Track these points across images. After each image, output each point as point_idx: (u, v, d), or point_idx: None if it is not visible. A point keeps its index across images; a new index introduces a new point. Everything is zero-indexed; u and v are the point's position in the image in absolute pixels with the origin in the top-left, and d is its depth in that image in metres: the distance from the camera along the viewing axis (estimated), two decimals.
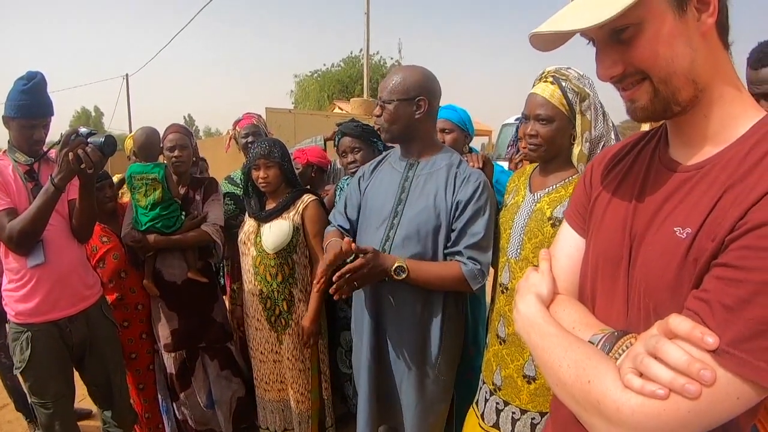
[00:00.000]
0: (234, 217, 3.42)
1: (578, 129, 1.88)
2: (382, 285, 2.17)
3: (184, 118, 69.92)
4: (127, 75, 34.91)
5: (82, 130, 2.38)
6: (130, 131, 20.71)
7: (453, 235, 2.12)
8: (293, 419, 2.94)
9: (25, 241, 2.41)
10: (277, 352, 2.90)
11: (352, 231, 2.40)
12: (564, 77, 1.89)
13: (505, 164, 3.07)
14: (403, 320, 2.17)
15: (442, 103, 2.36)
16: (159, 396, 3.33)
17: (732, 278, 0.78)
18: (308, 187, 3.17)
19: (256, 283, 2.86)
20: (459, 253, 2.09)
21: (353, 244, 2.01)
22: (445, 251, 2.14)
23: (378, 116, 2.20)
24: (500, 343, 2.01)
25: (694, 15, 0.90)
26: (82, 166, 2.30)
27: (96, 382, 2.84)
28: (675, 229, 0.91)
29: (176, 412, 3.32)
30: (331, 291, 2.03)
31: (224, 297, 3.56)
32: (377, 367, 2.26)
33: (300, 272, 2.84)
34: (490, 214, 2.09)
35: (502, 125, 14.15)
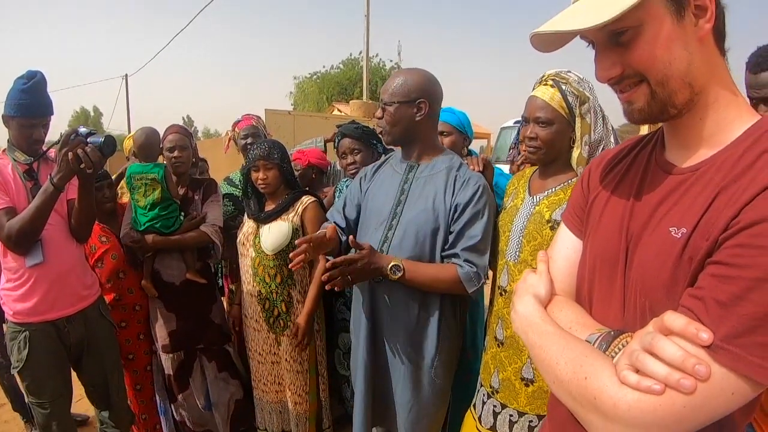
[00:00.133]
0: (233, 218, 3.42)
1: (578, 132, 1.89)
2: (379, 286, 2.18)
3: (183, 118, 69.78)
4: (126, 75, 34.94)
5: (82, 129, 2.38)
6: (129, 131, 20.72)
7: (450, 238, 2.12)
8: (291, 421, 2.94)
9: (24, 241, 2.41)
10: (275, 353, 2.89)
11: (348, 230, 2.40)
12: (564, 80, 1.90)
13: (504, 167, 3.07)
14: (399, 321, 2.18)
15: (444, 105, 2.36)
16: (157, 397, 3.33)
17: (726, 275, 0.80)
18: (307, 188, 3.17)
19: (255, 284, 2.86)
20: (456, 255, 2.10)
21: (351, 238, 2.03)
22: (442, 253, 2.14)
23: (379, 118, 2.21)
24: (498, 346, 2.01)
25: (692, 20, 0.92)
26: (82, 165, 2.30)
27: (93, 383, 2.84)
28: (670, 229, 0.93)
29: (174, 414, 3.31)
30: (323, 278, 2.04)
31: (223, 298, 3.56)
32: (373, 367, 2.26)
33: (299, 274, 2.83)
34: (489, 218, 2.10)
35: (501, 128, 14.17)
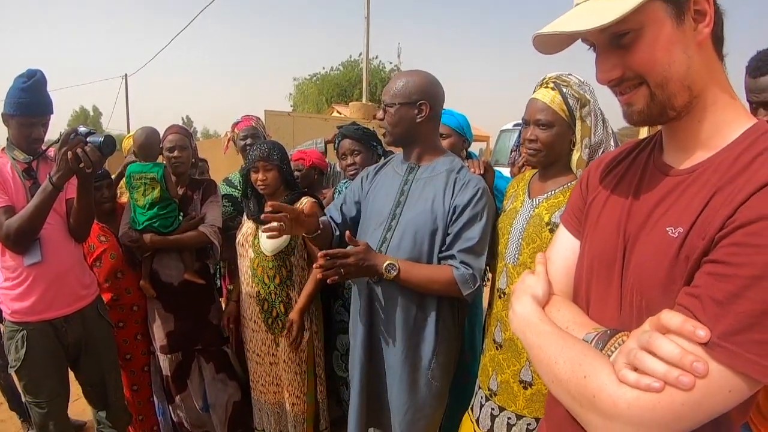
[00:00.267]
0: (232, 218, 3.42)
1: (578, 135, 1.89)
2: (377, 287, 2.18)
3: (183, 119, 69.72)
4: (126, 75, 34.92)
5: (81, 129, 2.38)
6: (129, 131, 20.68)
7: (448, 239, 2.12)
8: (288, 422, 2.93)
9: (23, 240, 2.40)
10: (273, 354, 2.89)
11: (344, 225, 2.40)
12: (565, 83, 1.90)
13: (504, 170, 3.07)
14: (396, 323, 2.17)
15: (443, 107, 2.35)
16: (155, 398, 3.32)
17: (722, 273, 0.81)
18: (307, 189, 3.17)
19: (254, 285, 2.85)
20: (452, 256, 2.10)
21: (348, 234, 2.04)
22: (439, 255, 2.14)
23: (381, 119, 2.22)
24: (497, 348, 2.01)
25: (692, 24, 0.94)
26: (81, 165, 2.30)
27: (91, 382, 2.83)
28: (667, 229, 0.94)
29: (172, 415, 3.31)
30: (314, 266, 2.04)
31: (221, 299, 3.55)
32: (369, 368, 2.26)
33: (298, 275, 2.83)
34: (487, 220, 2.09)
35: (500, 131, 14.19)
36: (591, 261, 1.15)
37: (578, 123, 1.89)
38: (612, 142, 1.93)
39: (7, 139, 2.58)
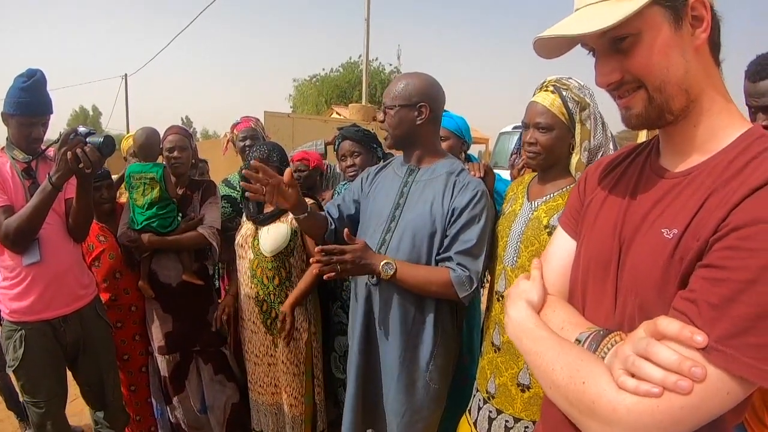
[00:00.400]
0: (231, 219, 3.42)
1: (577, 138, 1.90)
2: (376, 289, 2.18)
3: (182, 119, 69.74)
4: (126, 75, 34.91)
5: (81, 129, 2.38)
6: (128, 131, 20.67)
7: (446, 241, 2.13)
8: (286, 423, 2.93)
9: (21, 239, 2.41)
10: (272, 355, 2.89)
11: (341, 222, 2.42)
12: (565, 87, 1.90)
13: (503, 172, 3.08)
14: (394, 325, 2.17)
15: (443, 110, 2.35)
16: (153, 399, 3.32)
17: (717, 278, 0.82)
18: (308, 190, 3.17)
19: (253, 286, 2.85)
20: (449, 258, 2.10)
21: (346, 231, 2.06)
22: (437, 257, 2.14)
23: (381, 122, 2.23)
24: (495, 351, 2.01)
25: (689, 30, 0.96)
26: (80, 165, 2.30)
27: (89, 382, 2.84)
28: (663, 230, 0.96)
29: (170, 416, 3.30)
30: (311, 261, 2.05)
31: (219, 300, 3.55)
32: (366, 369, 2.27)
33: (297, 276, 2.83)
34: (485, 223, 2.09)
35: (500, 133, 14.20)
36: (587, 262, 1.16)
37: (578, 126, 1.89)
38: (611, 146, 1.93)
39: (7, 138, 2.58)
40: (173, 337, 3.11)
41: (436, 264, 2.14)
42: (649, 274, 0.97)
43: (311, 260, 2.07)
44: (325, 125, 10.96)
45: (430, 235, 2.13)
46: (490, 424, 1.98)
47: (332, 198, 3.23)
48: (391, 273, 2.05)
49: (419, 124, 2.17)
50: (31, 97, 2.47)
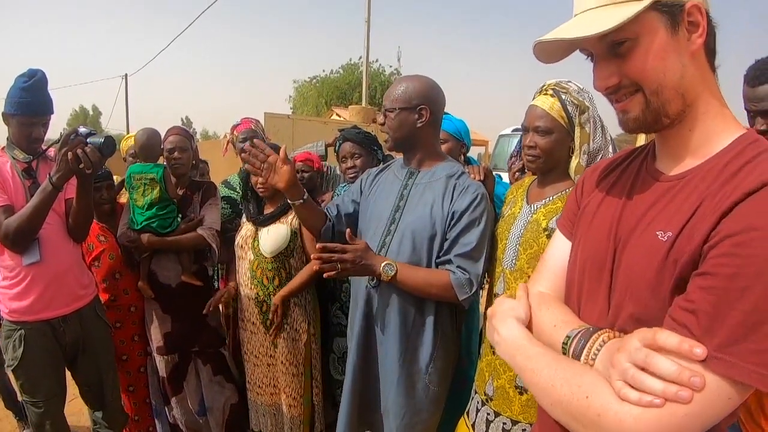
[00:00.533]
0: (230, 220, 3.42)
1: (577, 141, 1.90)
2: (376, 291, 2.18)
3: (182, 119, 69.70)
4: (126, 75, 34.88)
5: (82, 130, 2.39)
6: (128, 131, 20.62)
7: (446, 244, 2.13)
8: (285, 424, 2.93)
9: (22, 239, 2.41)
10: (271, 355, 2.89)
11: (338, 220, 2.42)
12: (564, 90, 1.91)
13: (503, 175, 3.08)
14: (394, 327, 2.17)
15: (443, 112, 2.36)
16: (152, 400, 3.32)
17: (713, 286, 0.84)
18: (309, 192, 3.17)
19: (253, 287, 2.86)
20: (449, 261, 2.10)
21: (348, 232, 2.07)
22: (437, 260, 2.14)
23: (381, 124, 2.23)
24: (493, 353, 2.01)
25: (685, 35, 0.98)
26: (81, 166, 2.31)
27: (88, 382, 2.84)
28: (657, 233, 0.97)
29: (168, 416, 3.30)
30: (312, 257, 2.05)
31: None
32: (364, 371, 2.27)
33: None
34: (485, 226, 2.10)
35: (499, 136, 14.22)
36: (583, 263, 1.18)
37: (577, 129, 1.90)
38: (610, 149, 1.94)
39: (8, 138, 2.59)
40: (172, 337, 3.11)
41: (436, 267, 2.14)
42: (642, 275, 0.98)
43: (312, 256, 2.07)
44: (325, 127, 10.97)
45: (430, 238, 2.13)
46: (487, 426, 1.98)
47: (332, 199, 3.23)
48: (392, 274, 2.05)
49: (419, 127, 2.17)
50: (32, 97, 2.47)
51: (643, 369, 0.85)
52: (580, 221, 1.24)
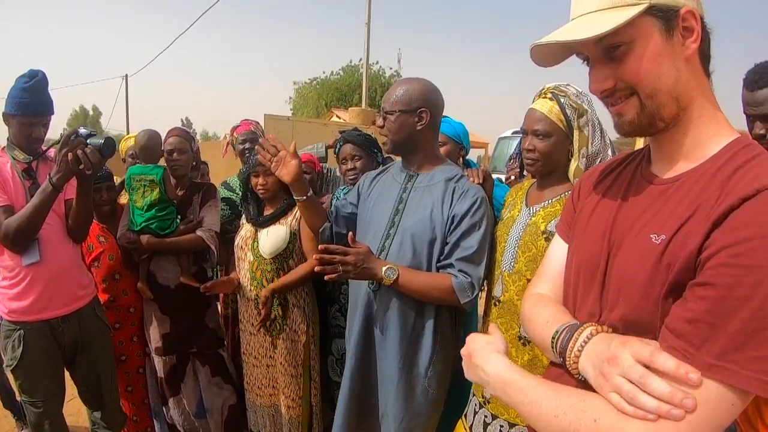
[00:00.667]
0: (229, 222, 3.42)
1: (575, 144, 1.91)
2: (376, 295, 2.18)
3: (182, 120, 69.59)
4: (126, 75, 34.88)
5: (82, 131, 2.39)
6: (128, 132, 20.63)
7: (446, 248, 2.12)
8: (283, 425, 2.94)
9: (21, 239, 2.41)
10: (271, 356, 2.90)
11: (336, 220, 2.45)
12: (563, 93, 1.92)
13: (503, 177, 3.09)
14: (394, 331, 2.17)
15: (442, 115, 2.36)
16: (151, 400, 3.32)
17: (712, 296, 0.85)
18: None
19: (252, 288, 2.86)
20: (451, 265, 2.10)
21: (351, 235, 2.07)
22: (438, 264, 2.14)
23: (381, 127, 2.22)
24: None
25: (680, 40, 0.99)
26: (81, 166, 2.31)
27: (87, 383, 2.84)
28: (651, 236, 0.98)
29: (166, 417, 3.31)
30: (314, 258, 2.05)
31: (218, 303, 3.55)
32: (362, 375, 2.26)
33: None
34: (486, 230, 2.10)
35: (499, 138, 14.21)
36: (578, 265, 1.19)
37: (576, 133, 1.90)
38: (609, 152, 1.94)
39: (8, 138, 2.59)
40: (170, 338, 3.12)
41: (437, 270, 2.14)
42: (634, 278, 0.99)
43: (313, 257, 2.07)
44: (325, 128, 10.96)
45: (430, 241, 2.13)
46: (485, 428, 1.98)
47: (331, 202, 3.23)
48: (394, 278, 2.04)
49: (419, 130, 2.17)
50: (33, 97, 2.48)
51: (639, 387, 0.87)
52: (576, 224, 1.26)
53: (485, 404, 2.01)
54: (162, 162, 3.16)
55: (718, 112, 1.04)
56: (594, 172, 1.31)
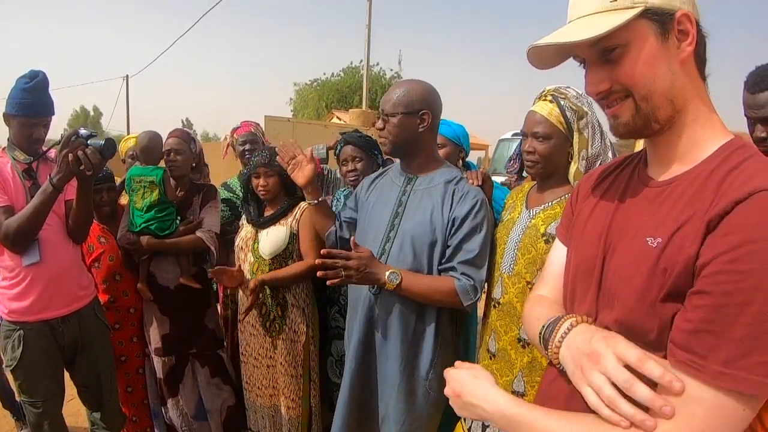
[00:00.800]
0: (229, 223, 3.42)
1: (575, 147, 1.91)
2: (377, 298, 2.17)
3: (183, 121, 69.53)
4: (127, 76, 34.88)
5: (83, 131, 2.40)
6: (128, 132, 20.60)
7: (448, 251, 2.12)
8: (283, 425, 2.94)
9: (22, 240, 2.42)
10: (271, 357, 2.90)
11: (341, 226, 2.47)
12: (563, 96, 1.92)
13: (503, 179, 3.09)
14: (396, 334, 2.16)
15: (441, 116, 2.35)
16: (150, 401, 3.32)
17: (711, 305, 0.85)
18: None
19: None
20: (453, 268, 2.10)
21: (353, 239, 2.07)
22: (439, 267, 2.14)
23: (381, 129, 2.20)
24: (490, 358, 2.02)
25: (675, 43, 1.00)
26: (81, 167, 2.31)
27: (86, 383, 2.84)
28: (647, 239, 0.98)
29: (165, 418, 3.31)
30: (317, 262, 2.04)
31: (217, 304, 3.55)
32: (363, 376, 2.25)
33: None
34: (487, 232, 2.10)
35: (499, 140, 14.22)
36: (575, 267, 1.20)
37: (576, 135, 1.91)
38: (610, 154, 1.94)
39: (8, 139, 2.59)
40: (170, 339, 3.12)
41: (438, 273, 2.14)
42: (630, 280, 0.99)
43: (315, 262, 2.06)
44: (326, 130, 10.97)
45: (430, 244, 2.12)
46: (483, 429, 1.98)
47: (331, 203, 3.23)
48: (397, 282, 2.04)
49: (421, 132, 2.16)
50: (33, 98, 2.48)
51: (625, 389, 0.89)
52: (574, 227, 1.27)
53: None
54: (163, 163, 3.17)
55: (714, 115, 1.05)
56: (592, 176, 1.32)
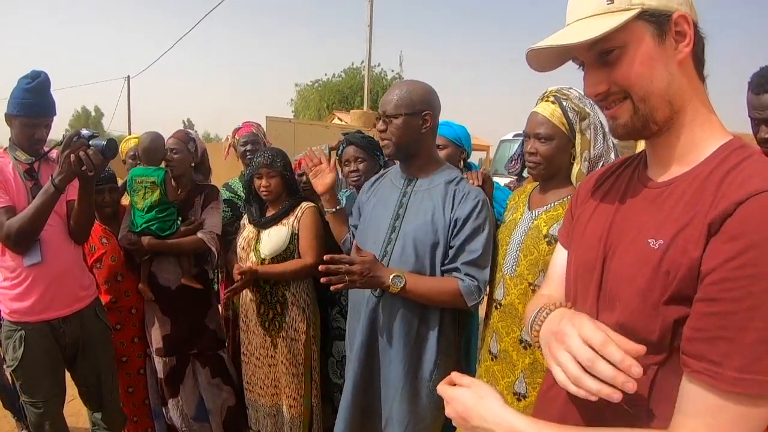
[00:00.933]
0: (231, 224, 3.42)
1: (578, 148, 1.90)
2: (380, 300, 2.17)
3: (184, 122, 69.72)
4: (128, 77, 34.92)
5: (85, 132, 2.40)
6: (129, 133, 20.64)
7: (451, 252, 2.11)
8: (284, 425, 2.94)
9: (23, 240, 2.41)
10: (272, 356, 2.90)
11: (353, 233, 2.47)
12: (565, 97, 1.92)
13: (504, 180, 3.09)
14: (398, 336, 2.15)
15: (442, 117, 2.35)
16: (151, 401, 3.32)
17: (721, 312, 0.85)
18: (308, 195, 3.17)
19: (253, 289, 2.87)
20: (456, 269, 2.09)
21: (355, 244, 2.06)
22: (443, 268, 2.13)
23: (382, 131, 2.18)
24: (492, 359, 2.02)
25: (672, 44, 1.00)
26: (83, 168, 2.31)
27: (87, 383, 2.83)
28: (649, 240, 0.98)
29: (166, 418, 3.30)
30: (320, 268, 2.01)
31: (218, 304, 3.55)
32: (365, 378, 2.24)
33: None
34: (489, 232, 2.09)
35: (500, 141, 14.22)
36: (576, 269, 1.21)
37: (578, 136, 1.90)
38: (612, 155, 1.93)
39: (10, 139, 2.59)
40: (171, 339, 3.12)
41: (441, 274, 2.13)
42: (632, 282, 1.00)
43: (319, 268, 2.03)
44: (327, 131, 10.99)
45: (432, 245, 2.12)
46: None
47: None
48: (401, 286, 2.02)
49: (423, 133, 2.15)
50: (35, 98, 2.48)
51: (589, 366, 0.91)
52: (574, 230, 1.27)
53: None
54: (164, 164, 3.17)
55: (712, 116, 1.05)
56: (591, 178, 1.32)
